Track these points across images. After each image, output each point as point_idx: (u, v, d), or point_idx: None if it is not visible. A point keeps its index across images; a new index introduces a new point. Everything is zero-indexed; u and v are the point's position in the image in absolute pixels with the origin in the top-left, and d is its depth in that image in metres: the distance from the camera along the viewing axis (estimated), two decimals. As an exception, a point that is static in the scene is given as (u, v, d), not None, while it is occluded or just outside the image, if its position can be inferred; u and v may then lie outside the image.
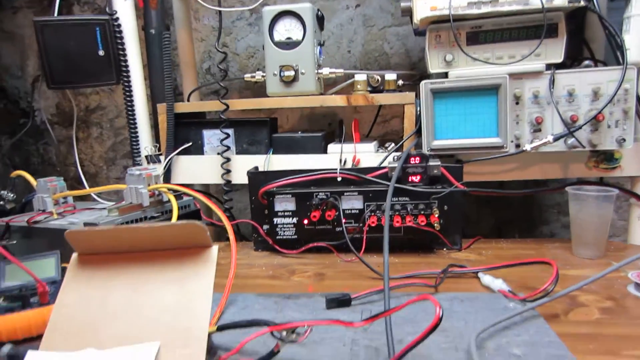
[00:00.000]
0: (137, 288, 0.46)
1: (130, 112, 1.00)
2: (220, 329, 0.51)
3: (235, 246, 0.63)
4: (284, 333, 0.47)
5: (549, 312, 0.58)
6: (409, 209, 0.82)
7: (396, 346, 0.49)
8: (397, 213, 0.82)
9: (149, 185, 0.83)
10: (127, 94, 0.99)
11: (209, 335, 0.52)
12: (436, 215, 0.80)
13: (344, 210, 0.84)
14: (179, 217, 0.83)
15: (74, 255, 0.49)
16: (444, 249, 0.85)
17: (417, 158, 0.83)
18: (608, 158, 0.86)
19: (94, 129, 1.53)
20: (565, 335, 0.52)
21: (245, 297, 0.67)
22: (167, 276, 0.47)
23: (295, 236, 0.87)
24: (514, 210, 1.33)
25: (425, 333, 0.34)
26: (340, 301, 0.62)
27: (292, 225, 0.87)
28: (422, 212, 0.81)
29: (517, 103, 0.84)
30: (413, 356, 0.48)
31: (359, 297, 0.63)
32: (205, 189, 1.21)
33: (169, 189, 0.84)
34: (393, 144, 0.93)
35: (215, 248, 0.48)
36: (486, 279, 0.67)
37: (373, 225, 0.83)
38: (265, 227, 0.89)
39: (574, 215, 0.80)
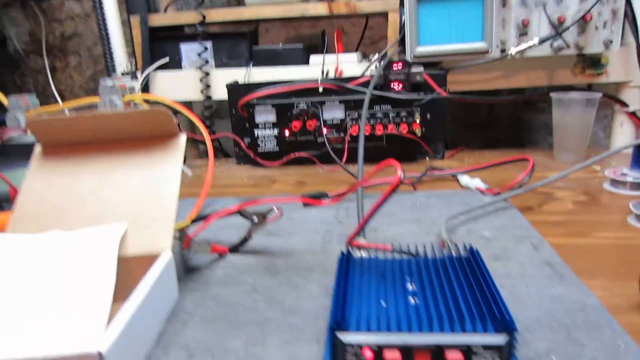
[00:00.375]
0: (104, 175, 0.45)
1: (101, 24, 0.96)
2: (194, 221, 0.51)
3: (212, 146, 0.63)
4: (255, 217, 0.47)
5: (523, 205, 0.58)
6: (390, 117, 0.80)
7: (369, 233, 0.50)
8: (379, 122, 0.81)
9: (123, 97, 0.81)
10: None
11: (183, 229, 0.52)
12: (418, 122, 0.79)
13: (325, 120, 0.83)
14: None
15: (37, 147, 0.48)
16: (427, 158, 0.85)
17: (400, 64, 0.81)
18: (594, 63, 0.84)
19: (72, 58, 1.48)
20: (537, 222, 0.52)
21: (224, 200, 0.67)
22: (135, 163, 0.46)
23: (277, 148, 0.86)
24: (502, 132, 1.33)
25: (388, 192, 0.34)
26: (316, 198, 0.62)
27: (274, 137, 0.85)
28: (404, 120, 0.80)
29: (503, 6, 0.80)
30: (385, 239, 0.48)
31: (335, 195, 0.63)
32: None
33: (145, 100, 0.82)
34: (377, 54, 0.90)
35: (182, 136, 0.47)
36: (464, 179, 0.67)
37: (355, 134, 0.82)
38: (247, 140, 0.88)
39: (557, 121, 0.79)
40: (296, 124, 0.82)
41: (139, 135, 0.47)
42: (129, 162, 0.46)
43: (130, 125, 0.46)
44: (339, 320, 0.29)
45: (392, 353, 0.28)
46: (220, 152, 1.12)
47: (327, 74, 0.90)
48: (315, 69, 0.91)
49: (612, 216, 0.54)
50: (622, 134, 0.87)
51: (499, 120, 1.30)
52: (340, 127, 0.83)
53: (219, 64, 0.97)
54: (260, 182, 0.79)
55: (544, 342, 0.31)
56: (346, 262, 0.36)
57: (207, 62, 0.96)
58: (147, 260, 0.39)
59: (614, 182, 0.63)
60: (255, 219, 0.47)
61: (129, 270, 0.39)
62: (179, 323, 0.37)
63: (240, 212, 0.45)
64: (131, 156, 0.46)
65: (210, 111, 0.98)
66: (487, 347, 0.28)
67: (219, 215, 0.41)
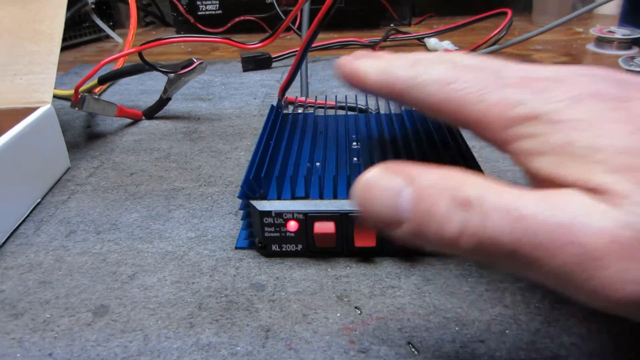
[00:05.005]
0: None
1: None
2: (101, 81, 0.42)
3: (135, 3, 0.51)
4: (172, 75, 0.38)
5: (497, 67, 0.50)
6: (351, -29, 0.68)
7: (313, 97, 0.41)
8: (337, -23, 0.69)
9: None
10: None
11: (91, 90, 0.42)
12: (382, -22, 0.68)
13: (274, -24, 0.70)
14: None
15: None
16: (392, 24, 0.74)
17: None
18: None
19: None
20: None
21: (150, 66, 0.56)
22: None
23: (220, 11, 0.74)
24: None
25: (323, 11, 0.25)
26: (259, 61, 0.52)
27: (215, -3, 0.73)
28: (367, -25, 0.68)
29: None
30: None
31: (280, 56, 0.54)
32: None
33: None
34: None
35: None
36: (432, 41, 0.58)
37: (309, -7, 0.70)
38: (184, 2, 0.75)
39: (540, -22, 0.69)
40: (240, -21, 0.70)
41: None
42: (-6, -5, 0.35)
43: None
44: (253, 184, 0.22)
45: (325, 224, 0.22)
46: (161, 20, 0.98)
47: None
48: None
49: (597, 77, 0.47)
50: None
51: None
52: (292, -17, 0.70)
53: None
54: (200, 49, 0.68)
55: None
56: (275, 117, 0.28)
57: None
58: (21, 116, 0.30)
59: (599, 42, 0.55)
60: (172, 76, 0.38)
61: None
62: (65, 194, 0.29)
63: (146, 61, 0.36)
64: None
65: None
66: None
67: (110, 60, 0.32)
